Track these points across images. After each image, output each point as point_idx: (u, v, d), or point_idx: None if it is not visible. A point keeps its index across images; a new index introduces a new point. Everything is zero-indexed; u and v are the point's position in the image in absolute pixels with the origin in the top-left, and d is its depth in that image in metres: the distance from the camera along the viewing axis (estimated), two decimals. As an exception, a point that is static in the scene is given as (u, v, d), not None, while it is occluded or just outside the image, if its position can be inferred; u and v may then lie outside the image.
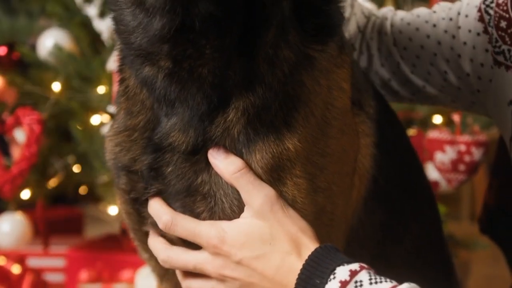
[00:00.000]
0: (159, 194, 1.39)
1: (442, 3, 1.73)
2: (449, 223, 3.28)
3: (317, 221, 1.37)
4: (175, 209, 1.37)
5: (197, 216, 1.34)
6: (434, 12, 1.72)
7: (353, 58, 1.65)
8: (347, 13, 1.76)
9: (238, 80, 1.32)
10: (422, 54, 1.70)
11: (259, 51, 1.32)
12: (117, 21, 1.39)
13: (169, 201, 1.38)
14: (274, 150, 1.34)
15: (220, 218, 1.33)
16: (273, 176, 1.33)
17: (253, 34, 1.32)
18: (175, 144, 1.38)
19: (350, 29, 1.79)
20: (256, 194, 1.29)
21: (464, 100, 1.73)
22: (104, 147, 1.53)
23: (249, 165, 1.33)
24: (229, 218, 1.33)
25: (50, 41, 3.33)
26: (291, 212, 1.31)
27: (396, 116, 1.78)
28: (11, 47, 3.61)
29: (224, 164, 1.31)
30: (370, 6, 2.00)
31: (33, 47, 3.53)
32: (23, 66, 3.58)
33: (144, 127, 1.44)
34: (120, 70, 1.52)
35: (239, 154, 1.33)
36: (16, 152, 3.23)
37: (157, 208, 1.37)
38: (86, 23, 3.30)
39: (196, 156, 1.36)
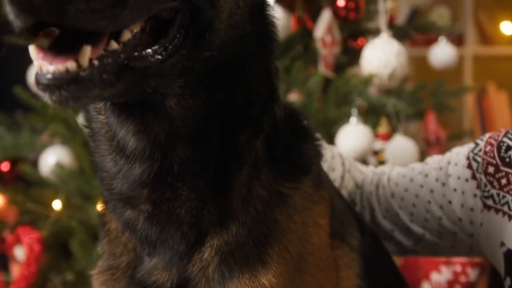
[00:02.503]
0: None
1: (435, 156, 1.84)
2: None
3: None
4: None
5: None
6: (427, 163, 1.82)
7: (336, 191, 1.71)
8: (338, 171, 1.87)
9: (213, 219, 1.39)
10: (417, 202, 1.79)
11: (233, 190, 1.39)
12: (99, 167, 1.46)
13: None
14: (250, 287, 1.37)
15: None
16: None
17: (227, 173, 1.39)
18: (160, 282, 1.43)
19: (347, 185, 1.90)
20: None
21: (462, 244, 1.80)
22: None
23: None
24: None
25: (52, 158, 3.38)
26: None
27: (382, 245, 1.83)
28: (13, 162, 3.65)
29: None
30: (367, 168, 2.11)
31: (35, 163, 3.57)
32: (25, 182, 3.62)
33: (127, 266, 1.50)
34: (102, 214, 1.59)
35: None
36: (15, 269, 3.25)
37: None
38: (87, 142, 3.34)
39: None
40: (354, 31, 3.76)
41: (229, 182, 1.39)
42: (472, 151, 1.72)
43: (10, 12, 1.05)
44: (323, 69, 3.33)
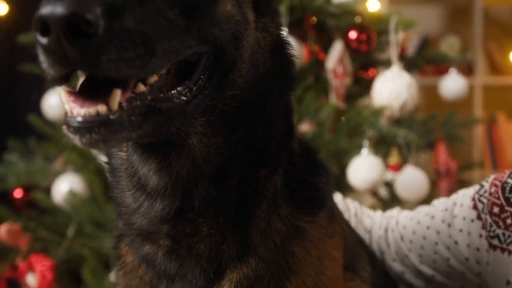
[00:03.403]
0: None
1: (441, 198, 1.87)
2: None
3: None
4: None
5: None
6: (433, 205, 1.85)
7: (347, 224, 1.74)
8: (352, 222, 1.92)
9: (233, 253, 1.40)
10: (425, 244, 1.81)
11: (253, 224, 1.41)
12: (118, 202, 1.48)
13: None
14: None
15: None
16: None
17: (247, 208, 1.41)
18: None
19: (358, 231, 1.93)
20: None
21: (471, 284, 1.82)
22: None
23: None
24: None
25: (65, 186, 3.40)
26: None
27: (391, 277, 1.86)
28: (26, 189, 3.67)
29: None
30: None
31: (47, 190, 3.60)
32: (37, 209, 3.64)
33: None
34: (116, 247, 1.60)
35: None
36: (27, 297, 3.26)
37: None
38: (100, 170, 3.38)
39: None
40: (365, 62, 3.78)
41: (249, 217, 1.41)
42: (477, 192, 1.74)
43: (44, 62, 1.08)
44: (334, 99, 3.35)
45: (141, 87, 1.17)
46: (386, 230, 1.96)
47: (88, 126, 1.10)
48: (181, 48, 1.19)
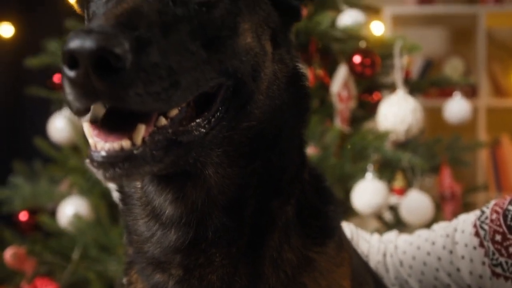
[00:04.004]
0: None
1: (441, 223, 1.86)
2: None
3: None
4: None
5: None
6: (433, 230, 1.84)
7: (354, 250, 1.75)
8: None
9: (245, 284, 1.40)
10: (425, 270, 1.81)
11: (265, 255, 1.42)
12: (130, 230, 1.48)
13: None
14: None
15: None
16: None
17: (260, 238, 1.41)
18: None
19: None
20: None
21: None
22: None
23: None
24: None
25: (70, 209, 3.41)
26: None
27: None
28: (32, 212, 3.68)
29: None
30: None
31: (53, 213, 3.61)
32: (43, 232, 3.64)
33: None
34: (126, 273, 1.60)
35: None
36: (32, 320, 3.26)
37: None
38: (105, 193, 3.39)
39: None
40: (369, 86, 3.80)
41: (262, 247, 1.42)
42: (478, 218, 1.75)
43: (70, 94, 1.09)
44: (339, 123, 3.36)
45: (163, 121, 1.18)
46: (384, 255, 1.95)
47: (112, 161, 1.11)
48: (203, 81, 1.21)
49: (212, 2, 1.26)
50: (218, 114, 1.28)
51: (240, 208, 1.38)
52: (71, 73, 1.05)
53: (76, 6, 1.55)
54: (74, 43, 1.02)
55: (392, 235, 2.04)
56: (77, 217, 3.33)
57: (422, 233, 1.91)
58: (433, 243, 1.83)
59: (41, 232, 3.64)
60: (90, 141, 1.15)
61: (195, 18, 1.23)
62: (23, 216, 3.67)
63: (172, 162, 1.20)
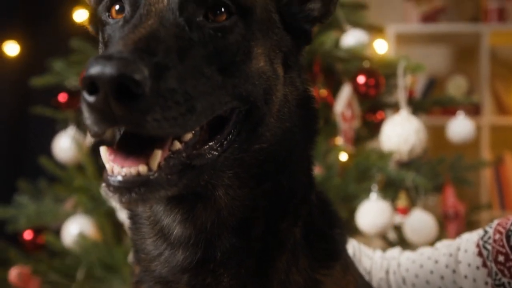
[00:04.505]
0: None
1: (444, 241, 1.87)
2: None
3: None
4: None
5: None
6: (436, 249, 1.85)
7: (358, 273, 1.76)
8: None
9: None
10: None
11: (273, 276, 1.42)
12: (138, 248, 1.49)
13: None
14: None
15: None
16: None
17: (268, 259, 1.42)
18: None
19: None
20: None
21: None
22: None
23: None
24: None
25: (75, 228, 3.42)
26: None
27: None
28: (37, 231, 3.68)
29: None
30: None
31: (57, 231, 3.61)
32: (48, 251, 3.64)
33: None
34: None
35: None
36: None
37: None
38: (110, 212, 3.39)
39: None
40: (373, 105, 3.81)
41: (270, 269, 1.42)
42: (481, 238, 1.75)
43: (88, 119, 1.11)
44: (343, 143, 3.37)
45: (177, 145, 1.21)
46: (387, 272, 1.95)
47: (128, 186, 1.13)
48: (218, 105, 1.23)
49: (227, 27, 1.29)
50: (230, 136, 1.31)
51: (249, 229, 1.40)
52: (90, 99, 1.07)
53: (89, 27, 1.57)
54: (95, 69, 1.04)
55: (395, 252, 2.04)
56: (81, 237, 3.33)
57: (425, 251, 1.91)
58: (436, 262, 1.83)
59: (45, 252, 3.64)
60: (107, 165, 1.17)
61: (210, 43, 1.25)
62: (28, 235, 3.67)
63: (185, 186, 1.22)
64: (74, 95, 3.70)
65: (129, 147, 1.17)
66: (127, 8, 1.32)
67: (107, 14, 1.38)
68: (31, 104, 3.91)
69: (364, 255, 2.03)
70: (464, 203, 4.08)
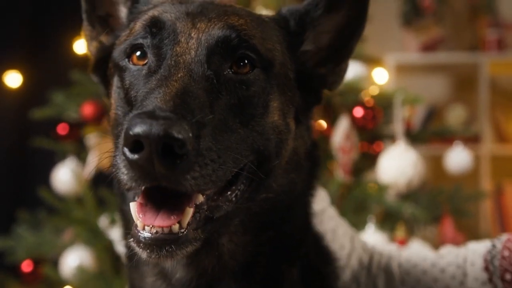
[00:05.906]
0: None
1: (449, 247, 1.85)
2: None
3: None
4: None
5: None
6: (441, 256, 1.83)
7: None
8: (347, 250, 1.89)
9: None
10: None
11: None
12: (134, 287, 1.50)
13: None
14: None
15: None
16: None
17: None
18: None
19: (353, 265, 1.91)
20: None
21: None
22: None
23: None
24: None
25: (74, 260, 3.42)
26: None
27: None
28: (35, 262, 3.68)
29: None
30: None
31: (55, 262, 3.60)
32: (46, 282, 3.63)
33: None
34: None
35: None
36: None
37: None
38: (108, 245, 3.38)
39: None
40: (371, 136, 3.81)
41: None
42: (490, 252, 1.74)
43: (126, 175, 1.13)
44: (341, 175, 3.37)
45: (200, 198, 1.23)
46: (385, 271, 1.91)
47: (159, 244, 1.16)
48: (241, 158, 1.27)
49: (251, 80, 1.32)
50: (242, 186, 1.33)
51: (250, 274, 1.42)
52: (134, 157, 1.09)
53: (92, 75, 1.58)
54: (140, 128, 1.06)
55: (392, 249, 2.01)
56: (80, 269, 3.33)
57: (428, 256, 1.88)
58: (442, 271, 1.81)
59: (44, 283, 3.63)
60: (138, 223, 1.19)
61: (235, 96, 1.29)
62: (27, 266, 3.67)
63: (206, 238, 1.24)
64: (73, 127, 3.72)
65: (155, 200, 1.19)
66: (151, 57, 1.34)
67: (126, 60, 1.40)
68: (31, 135, 3.93)
69: (361, 247, 1.99)
70: (463, 234, 4.07)
